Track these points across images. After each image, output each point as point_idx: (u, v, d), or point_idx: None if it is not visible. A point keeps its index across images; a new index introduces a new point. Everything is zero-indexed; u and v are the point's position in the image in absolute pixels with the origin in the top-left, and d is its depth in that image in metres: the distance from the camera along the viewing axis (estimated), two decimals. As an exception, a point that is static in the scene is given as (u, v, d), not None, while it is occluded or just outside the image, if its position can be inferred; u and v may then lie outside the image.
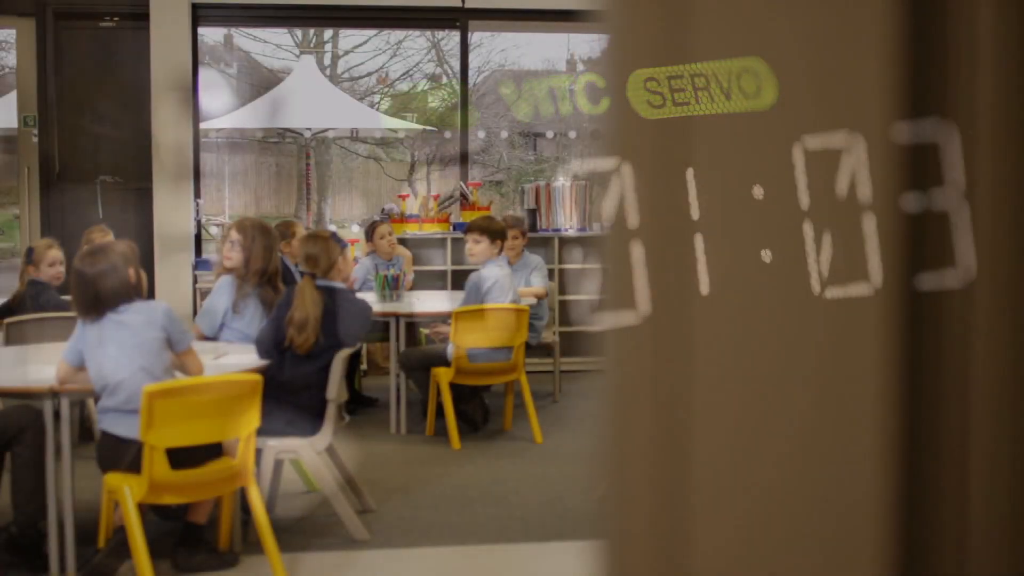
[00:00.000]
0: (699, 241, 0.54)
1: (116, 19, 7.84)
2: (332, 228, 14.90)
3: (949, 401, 0.56)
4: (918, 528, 0.56)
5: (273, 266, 4.66)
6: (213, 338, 4.66)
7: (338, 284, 4.33)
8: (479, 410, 5.90)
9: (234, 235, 4.66)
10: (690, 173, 0.53)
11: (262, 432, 3.80)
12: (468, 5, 7.90)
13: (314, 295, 4.19)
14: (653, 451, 0.54)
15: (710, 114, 0.53)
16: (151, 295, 6.58)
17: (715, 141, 0.53)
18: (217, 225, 12.84)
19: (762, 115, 0.54)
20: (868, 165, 0.54)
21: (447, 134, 11.83)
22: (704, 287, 0.54)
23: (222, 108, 17.06)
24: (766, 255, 0.54)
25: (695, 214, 0.55)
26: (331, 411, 4.17)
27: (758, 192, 0.54)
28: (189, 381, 3.64)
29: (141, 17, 7.60)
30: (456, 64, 22.31)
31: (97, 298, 3.59)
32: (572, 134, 22.41)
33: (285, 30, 21.10)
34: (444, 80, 23.44)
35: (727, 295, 0.54)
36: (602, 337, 0.59)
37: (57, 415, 3.71)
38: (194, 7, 7.71)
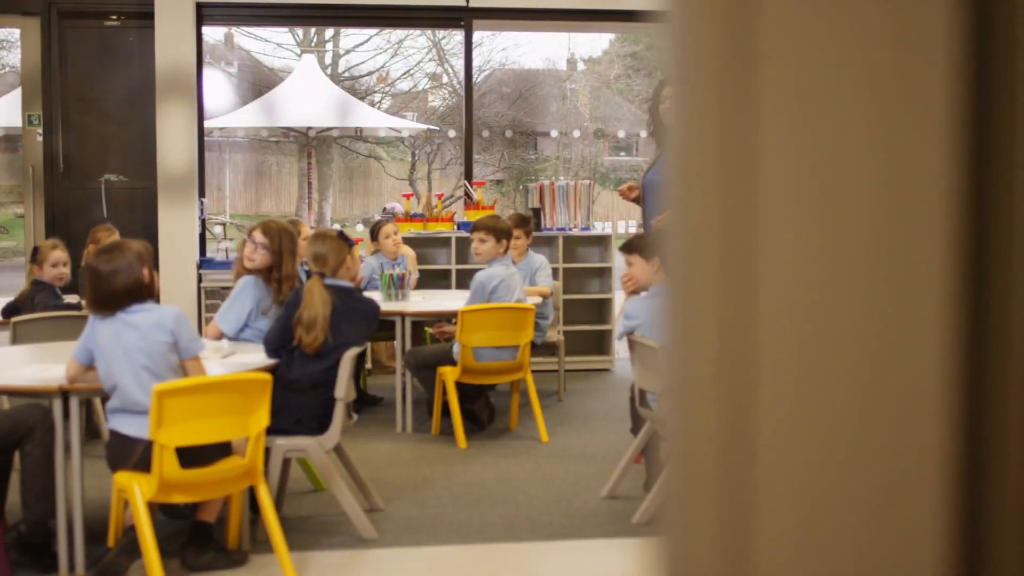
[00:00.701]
0: (762, 229, 0.55)
1: (121, 18, 7.84)
2: (337, 227, 14.90)
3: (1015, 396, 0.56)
4: (981, 525, 0.56)
5: (296, 269, 4.72)
6: (233, 338, 4.68)
7: (346, 283, 4.33)
8: (485, 409, 5.91)
9: (259, 237, 4.67)
10: (752, 162, 0.53)
11: (270, 431, 3.81)
12: (472, 4, 7.90)
13: (323, 294, 4.19)
14: (718, 441, 0.54)
15: (771, 111, 0.53)
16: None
17: (775, 133, 0.54)
18: (219, 224, 12.84)
19: (820, 113, 0.54)
20: (925, 168, 0.55)
21: (451, 133, 11.84)
22: (768, 279, 0.54)
23: (223, 107, 17.09)
24: (827, 242, 0.54)
25: (758, 204, 0.55)
26: (339, 410, 4.17)
27: (818, 183, 0.54)
28: (199, 380, 3.65)
29: (146, 16, 7.61)
30: (456, 63, 22.41)
31: (109, 295, 3.60)
32: (576, 133, 22.41)
33: (286, 29, 21.13)
34: (445, 79, 23.48)
35: (790, 286, 0.54)
36: (665, 328, 0.59)
37: (66, 414, 3.72)
38: (198, 6, 7.71)
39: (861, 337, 0.56)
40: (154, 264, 3.80)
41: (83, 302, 5.52)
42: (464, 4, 7.88)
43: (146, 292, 3.65)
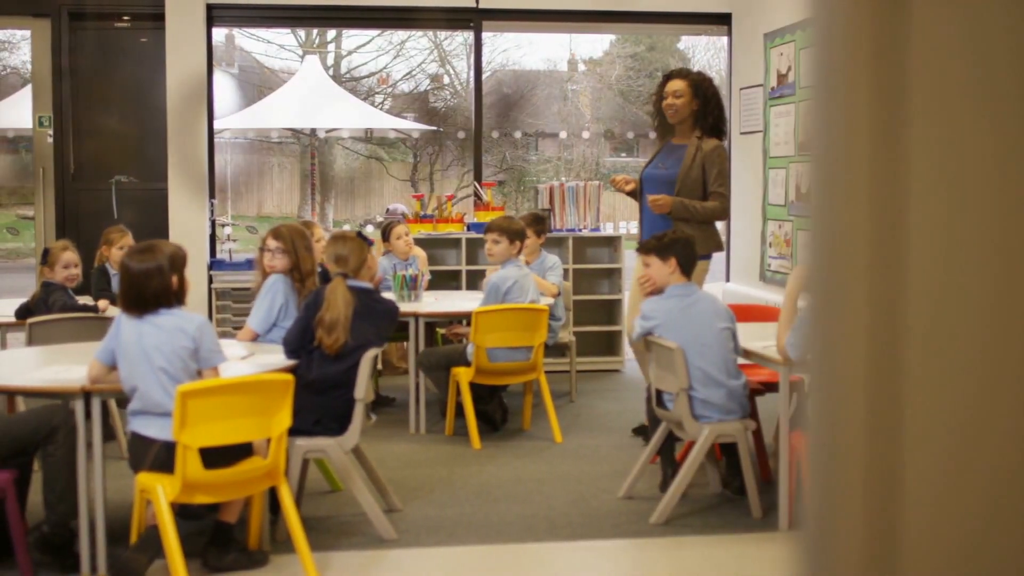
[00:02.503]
0: (911, 235, 0.55)
1: (131, 19, 7.84)
2: (347, 227, 14.91)
3: None
4: None
5: (315, 264, 4.79)
6: (264, 337, 4.75)
7: (366, 284, 4.34)
8: (498, 410, 5.91)
9: (273, 244, 4.76)
10: (902, 167, 0.53)
11: (290, 431, 3.81)
12: (482, 5, 7.91)
13: (346, 296, 4.20)
14: (866, 443, 0.54)
15: (928, 116, 0.54)
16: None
17: (925, 137, 0.54)
18: (222, 226, 12.82)
19: (970, 116, 0.54)
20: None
21: (461, 134, 11.83)
22: (917, 285, 0.55)
23: (225, 108, 17.09)
24: (978, 247, 0.54)
25: (907, 209, 0.55)
26: (359, 411, 4.18)
27: (969, 187, 0.54)
28: (222, 381, 3.65)
29: (156, 17, 7.61)
30: (458, 64, 22.38)
31: (138, 297, 3.61)
32: (585, 135, 22.42)
33: (288, 30, 21.14)
34: (446, 80, 23.50)
35: (939, 292, 0.54)
36: (808, 334, 0.60)
37: (88, 415, 3.72)
38: (209, 7, 7.72)
39: (1012, 342, 0.57)
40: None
41: (98, 303, 5.53)
42: (474, 5, 7.88)
43: (173, 299, 3.66)
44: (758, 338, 4.58)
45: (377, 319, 4.31)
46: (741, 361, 4.56)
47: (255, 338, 4.73)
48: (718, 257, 5.90)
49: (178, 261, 3.70)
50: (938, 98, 0.55)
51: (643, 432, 5.55)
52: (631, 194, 5.61)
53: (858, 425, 0.55)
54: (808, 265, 0.58)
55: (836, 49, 0.55)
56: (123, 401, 3.85)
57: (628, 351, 7.64)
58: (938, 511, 0.56)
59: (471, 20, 8.04)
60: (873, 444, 0.56)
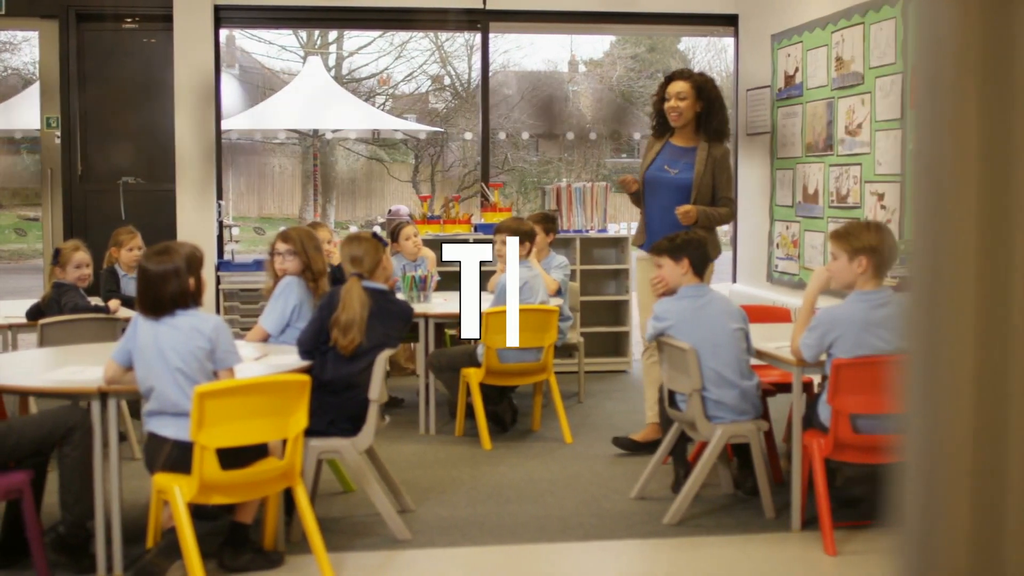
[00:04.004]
0: (1017, 232, 0.56)
1: (138, 20, 7.84)
2: (353, 228, 14.91)
3: None
4: None
5: (325, 264, 4.81)
6: (278, 338, 4.76)
7: (380, 285, 4.34)
8: (508, 410, 5.91)
9: (282, 247, 4.78)
10: (1014, 169, 0.54)
11: (305, 432, 3.81)
12: (489, 7, 7.91)
13: (362, 297, 4.20)
14: (973, 444, 0.55)
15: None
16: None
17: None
18: (229, 227, 12.83)
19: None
20: None
21: (468, 135, 11.81)
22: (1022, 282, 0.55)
23: (227, 109, 17.08)
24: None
25: (1014, 205, 0.56)
26: (373, 411, 4.18)
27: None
28: (239, 382, 3.66)
29: (164, 18, 7.61)
30: (459, 66, 22.36)
31: (156, 299, 3.62)
32: (592, 136, 22.43)
33: (289, 31, 21.15)
34: (447, 81, 23.51)
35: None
36: (909, 332, 0.60)
37: (103, 415, 3.72)
38: (216, 8, 7.72)
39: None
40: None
41: (109, 304, 5.53)
42: (481, 7, 7.89)
43: (190, 300, 3.67)
44: (765, 338, 4.59)
45: (391, 320, 4.31)
46: (753, 361, 4.56)
47: (266, 338, 4.73)
48: (725, 258, 5.90)
49: (195, 262, 3.71)
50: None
51: (624, 444, 5.52)
52: (633, 194, 5.58)
53: (966, 425, 0.56)
54: (913, 266, 0.59)
55: (944, 52, 0.55)
56: (135, 406, 3.84)
57: (636, 352, 7.64)
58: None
59: (478, 21, 8.05)
60: (980, 445, 0.56)
